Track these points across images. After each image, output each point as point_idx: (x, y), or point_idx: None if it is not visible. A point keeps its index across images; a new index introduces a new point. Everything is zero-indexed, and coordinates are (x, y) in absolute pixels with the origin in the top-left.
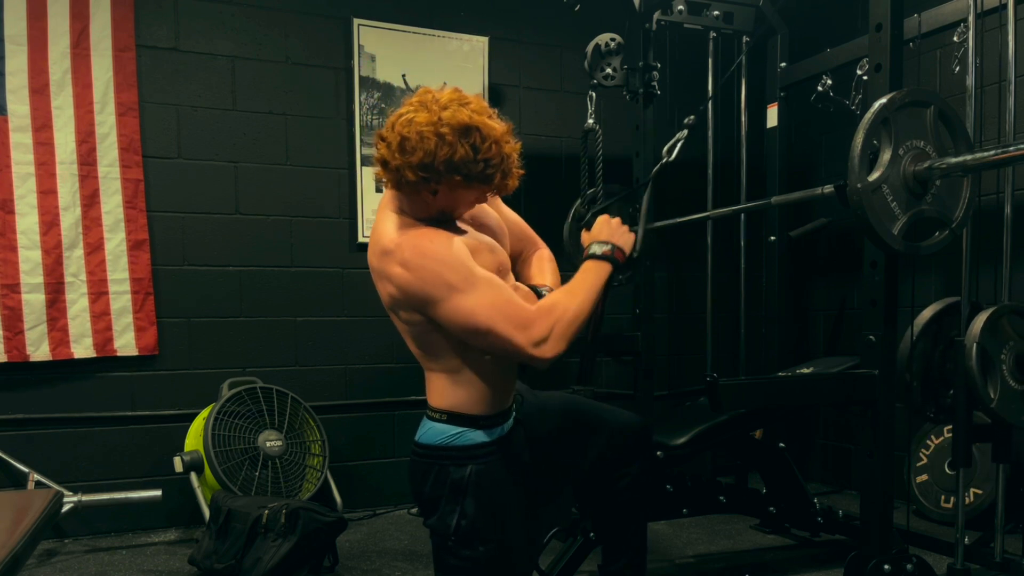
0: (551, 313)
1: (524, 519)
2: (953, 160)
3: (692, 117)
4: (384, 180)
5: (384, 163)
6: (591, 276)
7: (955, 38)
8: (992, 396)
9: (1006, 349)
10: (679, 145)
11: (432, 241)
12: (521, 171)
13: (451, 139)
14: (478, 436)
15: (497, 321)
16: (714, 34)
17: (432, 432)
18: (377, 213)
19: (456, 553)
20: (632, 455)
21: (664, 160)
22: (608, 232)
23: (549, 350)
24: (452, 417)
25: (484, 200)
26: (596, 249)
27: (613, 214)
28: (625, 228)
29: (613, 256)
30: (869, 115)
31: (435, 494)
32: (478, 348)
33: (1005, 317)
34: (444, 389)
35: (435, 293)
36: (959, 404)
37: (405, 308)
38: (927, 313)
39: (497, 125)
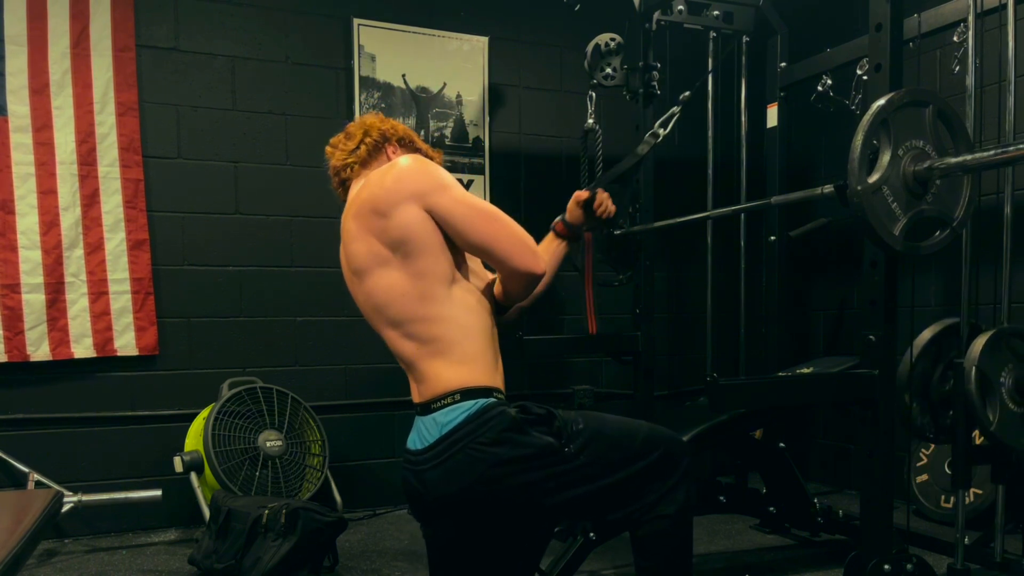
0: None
1: None
2: (953, 160)
3: (688, 93)
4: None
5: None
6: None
7: (955, 38)
8: (991, 419)
9: (1005, 371)
10: (673, 120)
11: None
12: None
13: None
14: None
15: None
16: (714, 34)
17: (452, 412)
18: None
19: (576, 457)
20: None
21: (660, 135)
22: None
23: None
24: (465, 394)
25: None
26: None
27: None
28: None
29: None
30: (868, 116)
31: (510, 449)
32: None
33: (1004, 339)
34: (445, 368)
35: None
36: (959, 427)
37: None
38: (926, 334)
39: None
